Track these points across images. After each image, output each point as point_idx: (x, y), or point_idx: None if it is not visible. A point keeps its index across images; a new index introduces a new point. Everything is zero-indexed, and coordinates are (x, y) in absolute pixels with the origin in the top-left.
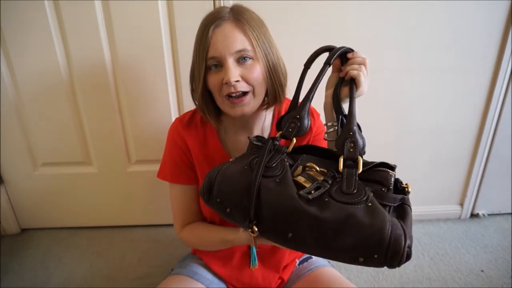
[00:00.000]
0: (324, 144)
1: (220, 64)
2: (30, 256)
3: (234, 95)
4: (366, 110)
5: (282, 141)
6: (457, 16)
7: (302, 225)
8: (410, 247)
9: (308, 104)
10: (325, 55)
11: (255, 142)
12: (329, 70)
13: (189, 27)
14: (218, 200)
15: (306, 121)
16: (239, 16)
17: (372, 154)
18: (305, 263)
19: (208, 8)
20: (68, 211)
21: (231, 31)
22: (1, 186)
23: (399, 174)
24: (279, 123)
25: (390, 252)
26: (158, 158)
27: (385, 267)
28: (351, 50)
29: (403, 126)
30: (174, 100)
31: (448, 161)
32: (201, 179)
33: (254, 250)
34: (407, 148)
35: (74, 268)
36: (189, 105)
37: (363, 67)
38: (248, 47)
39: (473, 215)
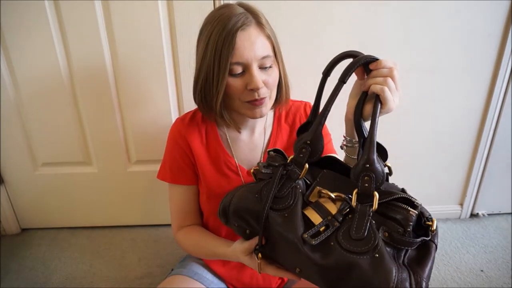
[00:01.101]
0: (329, 146)
1: (243, 70)
2: (30, 256)
3: (256, 99)
4: None
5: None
6: (457, 16)
7: (308, 266)
8: None
9: (320, 128)
10: (347, 61)
11: (263, 171)
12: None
13: (189, 27)
14: (236, 224)
15: (319, 145)
16: (259, 19)
17: None
18: None
19: (208, 8)
20: (68, 211)
21: (256, 36)
22: (1, 186)
23: (399, 174)
24: (299, 133)
25: None
26: (158, 158)
27: None
28: (374, 59)
29: (403, 126)
30: (174, 100)
31: (448, 161)
32: (203, 178)
33: None
34: (407, 148)
35: (74, 268)
36: (189, 105)
37: (389, 80)
38: (271, 53)
39: (473, 215)
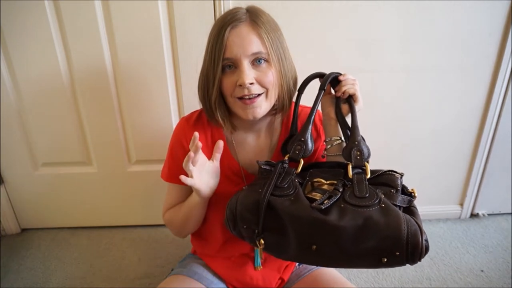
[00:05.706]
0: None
1: (234, 66)
2: (30, 256)
3: (247, 97)
4: (367, 111)
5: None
6: (457, 16)
7: (324, 236)
8: (427, 240)
9: (310, 127)
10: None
11: (263, 166)
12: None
13: (189, 27)
14: (244, 226)
15: (310, 143)
16: (255, 18)
17: (373, 154)
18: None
19: (208, 8)
20: (68, 211)
21: (247, 33)
22: (1, 186)
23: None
24: (283, 147)
25: (410, 248)
26: (158, 158)
27: (401, 267)
28: (340, 74)
29: (403, 126)
30: (174, 100)
31: (448, 161)
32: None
33: (258, 251)
34: (407, 148)
35: (74, 268)
36: (189, 105)
37: (356, 85)
38: (263, 50)
39: (473, 215)
